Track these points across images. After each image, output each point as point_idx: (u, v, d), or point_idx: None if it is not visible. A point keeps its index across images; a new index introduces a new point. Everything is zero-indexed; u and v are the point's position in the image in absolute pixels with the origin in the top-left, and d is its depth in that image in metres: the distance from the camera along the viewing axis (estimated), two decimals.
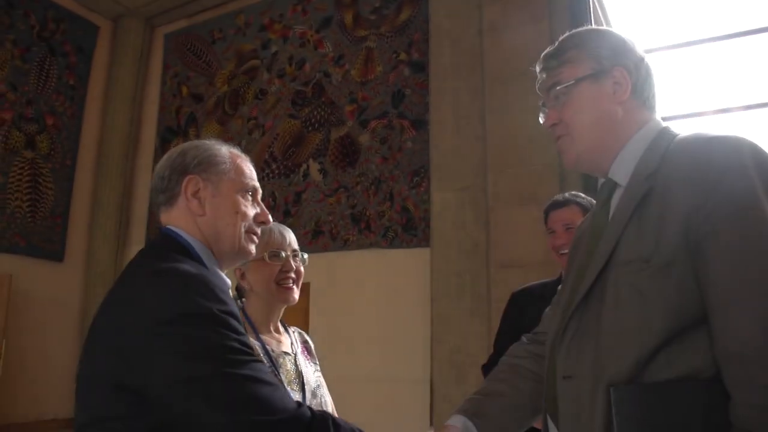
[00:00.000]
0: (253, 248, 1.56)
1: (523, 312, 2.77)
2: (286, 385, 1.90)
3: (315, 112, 6.85)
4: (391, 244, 6.03)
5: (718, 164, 1.12)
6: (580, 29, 1.44)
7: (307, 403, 1.93)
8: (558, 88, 1.38)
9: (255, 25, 7.54)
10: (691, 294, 1.10)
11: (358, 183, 6.37)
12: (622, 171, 1.32)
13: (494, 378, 1.63)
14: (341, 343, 5.79)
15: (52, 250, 7.28)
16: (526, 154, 4.95)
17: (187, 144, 1.58)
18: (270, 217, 1.60)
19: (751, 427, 0.99)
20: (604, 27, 1.45)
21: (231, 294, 1.52)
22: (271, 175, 6.96)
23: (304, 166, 6.77)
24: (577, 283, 1.30)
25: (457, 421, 1.49)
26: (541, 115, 1.46)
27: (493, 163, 5.32)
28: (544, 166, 4.88)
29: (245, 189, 1.54)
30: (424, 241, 5.79)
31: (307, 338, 2.23)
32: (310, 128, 6.84)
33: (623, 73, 1.34)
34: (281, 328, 2.12)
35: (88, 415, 1.28)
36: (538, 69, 1.46)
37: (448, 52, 5.78)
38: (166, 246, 1.45)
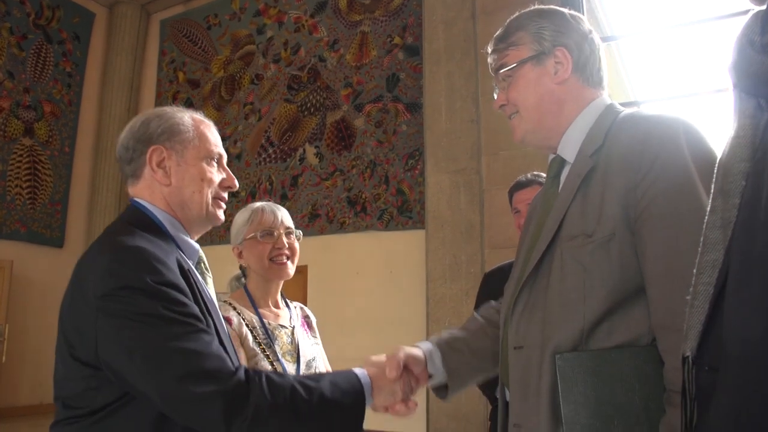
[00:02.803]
0: (221, 214, 1.56)
1: (494, 290, 2.83)
2: (280, 356, 1.98)
3: (310, 97, 6.90)
4: (387, 227, 6.10)
5: (654, 143, 1.18)
6: (526, 10, 1.47)
7: (301, 373, 2.01)
8: (503, 70, 1.43)
9: (250, 10, 7.57)
10: (630, 267, 1.17)
11: (354, 166, 6.43)
12: (569, 148, 1.37)
13: (467, 322, 1.71)
14: (338, 323, 5.87)
15: (52, 236, 7.35)
16: None
17: (149, 112, 1.56)
18: (236, 182, 1.59)
19: (676, 389, 1.04)
20: (552, 7, 1.48)
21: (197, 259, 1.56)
22: (267, 160, 7.01)
23: (301, 150, 6.82)
24: (527, 257, 1.36)
25: (424, 344, 1.57)
26: (494, 95, 1.51)
27: (486, 145, 5.38)
28: (536, 149, 4.92)
29: (210, 156, 1.52)
30: (420, 223, 5.86)
31: (309, 313, 2.30)
32: (305, 113, 6.88)
33: (564, 53, 1.38)
34: (282, 303, 2.19)
35: (60, 388, 1.33)
36: (488, 51, 1.50)
37: (442, 35, 5.82)
38: (128, 219, 1.45)
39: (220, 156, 1.56)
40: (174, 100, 7.95)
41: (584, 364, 1.16)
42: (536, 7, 1.48)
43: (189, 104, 7.81)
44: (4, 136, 7.02)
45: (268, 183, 6.90)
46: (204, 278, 1.57)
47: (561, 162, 1.40)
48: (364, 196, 6.30)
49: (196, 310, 1.30)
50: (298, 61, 7.08)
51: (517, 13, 1.48)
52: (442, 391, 1.62)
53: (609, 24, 7.33)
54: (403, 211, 6.04)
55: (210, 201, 1.51)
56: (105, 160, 7.79)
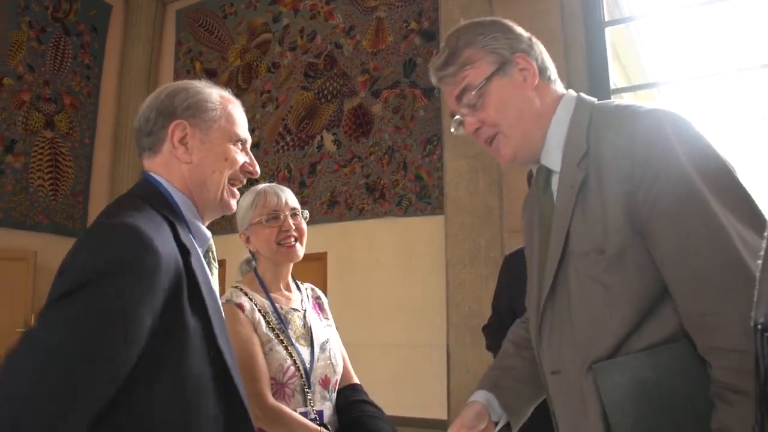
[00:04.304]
0: (233, 203, 1.46)
1: (513, 273, 2.83)
2: (294, 340, 1.98)
3: (327, 84, 6.89)
4: (406, 212, 6.09)
5: (642, 142, 1.14)
6: (459, 27, 1.40)
7: (316, 356, 2.01)
8: (472, 92, 1.33)
9: None
10: (650, 274, 1.14)
11: (372, 153, 6.42)
12: (551, 156, 1.31)
13: (503, 356, 1.66)
14: (359, 310, 5.89)
15: (73, 227, 7.42)
16: None
17: (176, 84, 1.46)
18: (258, 168, 1.49)
19: (728, 386, 1.04)
20: (482, 18, 1.40)
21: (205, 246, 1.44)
22: (285, 148, 7.03)
23: (318, 137, 6.82)
24: (540, 275, 1.32)
25: (480, 396, 1.52)
26: (454, 125, 1.41)
27: None
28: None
29: (236, 139, 1.44)
30: (438, 208, 5.84)
31: (320, 294, 2.27)
32: (323, 100, 6.88)
33: (525, 58, 1.32)
34: (293, 286, 2.17)
35: None
36: (434, 81, 1.42)
37: (459, 20, 5.75)
38: (141, 194, 1.35)
39: (246, 140, 1.47)
40: None
41: (622, 369, 1.15)
42: (468, 22, 1.41)
43: None
44: (25, 128, 7.08)
45: (286, 171, 6.91)
46: (210, 269, 1.48)
47: (548, 171, 1.34)
48: (382, 182, 6.29)
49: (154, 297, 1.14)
50: (314, 48, 7.07)
51: (448, 36, 1.41)
52: (505, 430, 1.60)
53: (628, 4, 7.23)
54: (421, 196, 6.03)
55: (226, 184, 1.42)
56: (124, 150, 7.83)
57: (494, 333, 3.00)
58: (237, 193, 1.48)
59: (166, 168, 1.39)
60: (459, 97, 1.37)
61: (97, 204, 7.73)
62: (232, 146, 1.42)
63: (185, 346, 1.20)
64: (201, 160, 1.38)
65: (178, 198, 1.37)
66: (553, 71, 1.37)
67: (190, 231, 1.36)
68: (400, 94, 6.37)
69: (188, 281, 1.23)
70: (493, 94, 1.32)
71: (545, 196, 1.35)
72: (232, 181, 1.44)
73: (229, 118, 1.44)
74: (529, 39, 1.37)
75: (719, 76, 6.00)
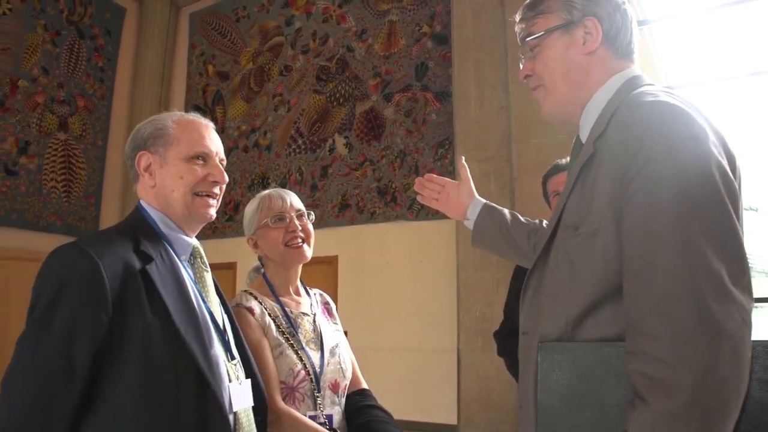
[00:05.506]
0: (209, 210, 1.61)
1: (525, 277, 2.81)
2: (304, 344, 1.98)
3: (339, 87, 6.89)
4: (417, 216, 6.08)
5: (637, 132, 1.11)
6: None
7: (326, 361, 2.01)
8: (530, 38, 1.36)
9: (278, 1, 7.57)
10: (615, 262, 1.12)
11: (384, 156, 6.42)
12: (585, 129, 1.32)
13: (510, 216, 1.85)
14: (369, 313, 5.88)
15: (86, 229, 7.46)
16: (550, 124, 4.89)
17: (144, 121, 1.66)
18: (225, 177, 1.63)
19: (637, 392, 1.03)
20: None
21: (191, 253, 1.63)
22: (297, 151, 7.04)
23: (330, 140, 6.83)
24: (542, 242, 1.34)
25: (479, 201, 1.84)
26: (520, 65, 1.44)
27: (516, 133, 5.32)
28: (568, 135, 4.86)
29: (193, 155, 1.58)
30: None
31: (329, 299, 2.28)
32: (335, 103, 6.89)
33: (595, 23, 1.31)
34: (302, 290, 2.18)
35: None
36: (517, 20, 1.44)
37: (471, 23, 5.77)
38: (128, 219, 1.58)
39: (206, 154, 1.61)
40: (204, 92, 8.01)
41: (562, 354, 1.15)
42: None
43: (219, 97, 7.87)
44: (39, 130, 7.13)
45: (298, 174, 6.93)
46: (201, 273, 1.62)
47: (581, 144, 1.34)
48: (394, 185, 6.28)
49: (100, 315, 1.32)
50: (326, 51, 7.08)
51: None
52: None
53: (640, 7, 7.19)
54: None
55: (189, 199, 1.56)
56: None
57: (505, 338, 2.97)
58: (212, 202, 1.62)
59: (145, 192, 1.61)
60: (522, 40, 1.41)
61: (110, 205, 7.77)
62: (187, 164, 1.57)
63: (146, 344, 1.33)
64: (161, 183, 1.57)
65: (156, 216, 1.57)
66: (625, 46, 1.34)
67: (168, 242, 1.55)
68: (412, 98, 6.36)
69: (145, 284, 1.38)
70: (548, 48, 1.35)
71: (573, 168, 1.36)
72: (203, 193, 1.59)
73: (182, 138, 1.59)
74: (615, 7, 1.34)
75: (733, 79, 5.94)
